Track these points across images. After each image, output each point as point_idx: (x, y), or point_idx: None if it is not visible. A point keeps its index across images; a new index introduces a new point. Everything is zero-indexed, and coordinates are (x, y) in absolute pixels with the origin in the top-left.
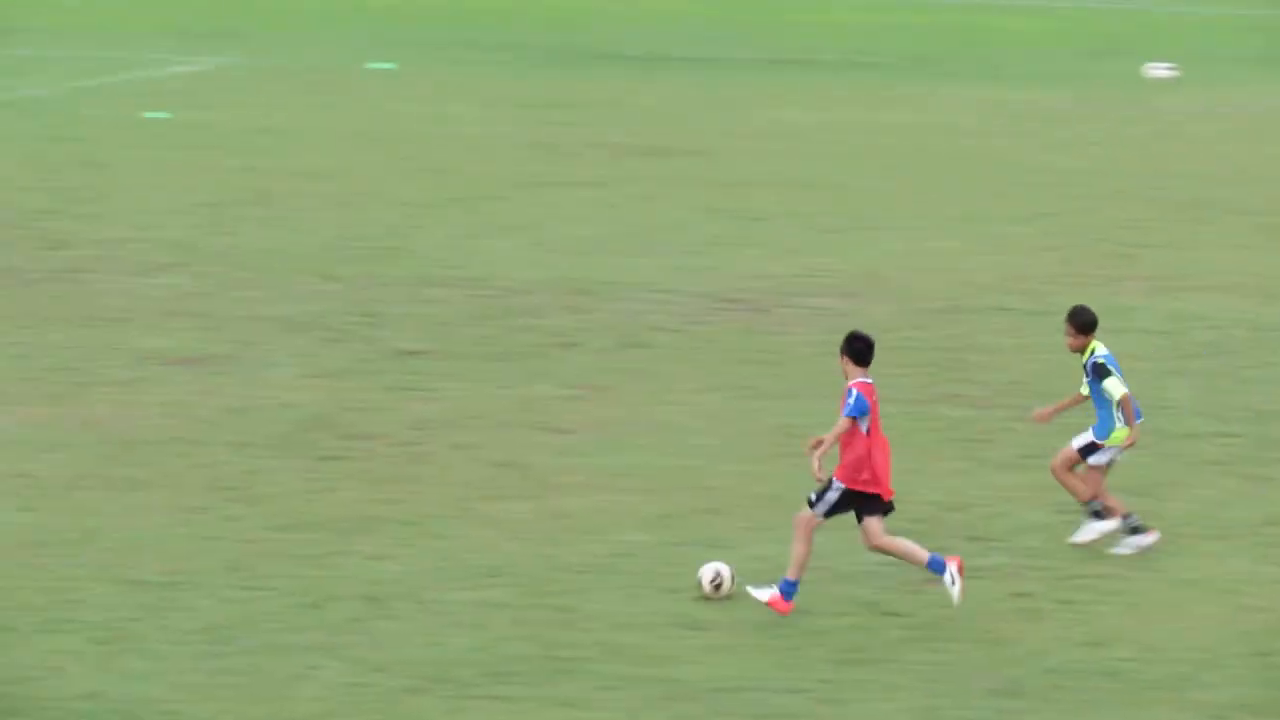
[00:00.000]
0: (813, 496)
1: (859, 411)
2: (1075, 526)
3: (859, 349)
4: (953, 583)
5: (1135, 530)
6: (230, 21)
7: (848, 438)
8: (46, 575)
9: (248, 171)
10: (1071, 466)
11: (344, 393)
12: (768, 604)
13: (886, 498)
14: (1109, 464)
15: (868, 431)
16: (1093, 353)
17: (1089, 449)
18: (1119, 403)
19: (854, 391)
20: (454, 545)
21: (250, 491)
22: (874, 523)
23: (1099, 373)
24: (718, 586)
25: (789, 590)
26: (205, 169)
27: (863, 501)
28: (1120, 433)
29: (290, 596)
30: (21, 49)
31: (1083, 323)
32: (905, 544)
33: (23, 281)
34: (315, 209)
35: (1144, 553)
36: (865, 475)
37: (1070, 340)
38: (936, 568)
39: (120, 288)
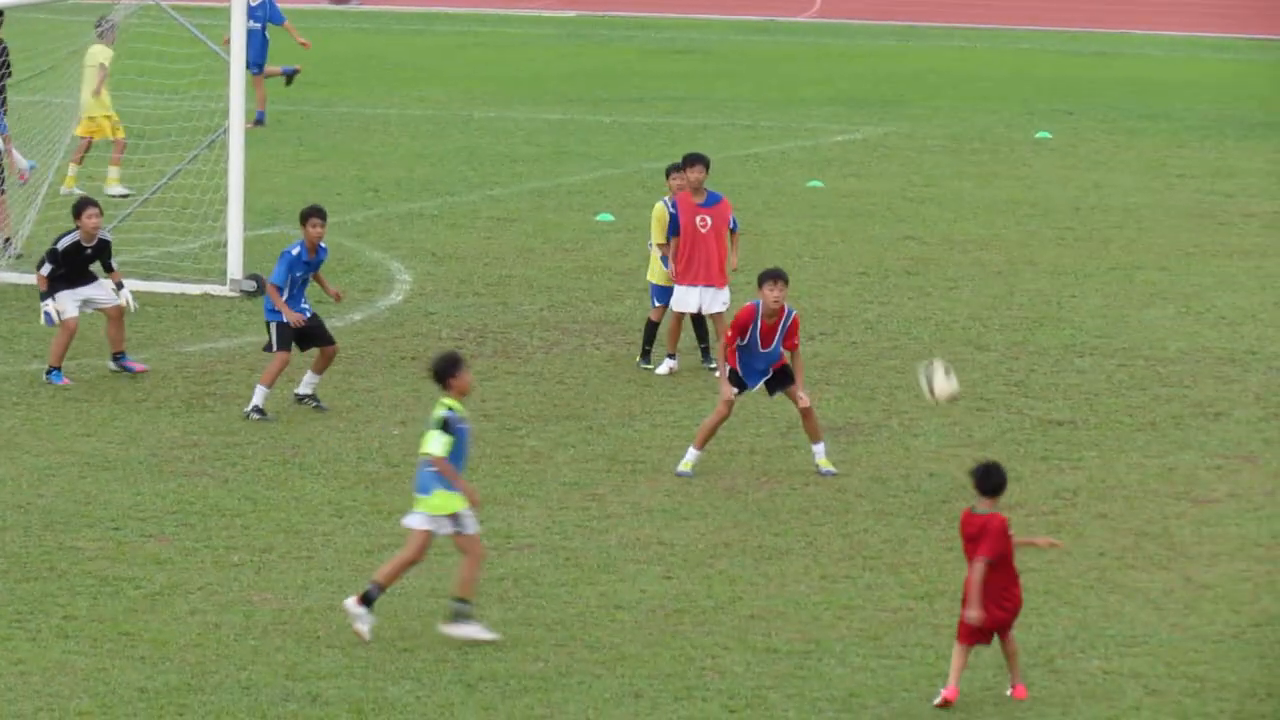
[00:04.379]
0: None
1: None
2: None
3: None
4: None
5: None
6: (894, 91)
7: None
8: (683, 642)
9: (904, 240)
10: None
11: None
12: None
13: None
14: None
15: None
16: None
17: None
18: None
19: None
20: (1089, 614)
21: (890, 560)
22: None
23: None
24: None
25: None
26: (860, 238)
27: None
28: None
29: (925, 666)
30: (686, 118)
31: None
32: None
33: None
34: (968, 278)
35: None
36: None
37: None
38: None
39: None
